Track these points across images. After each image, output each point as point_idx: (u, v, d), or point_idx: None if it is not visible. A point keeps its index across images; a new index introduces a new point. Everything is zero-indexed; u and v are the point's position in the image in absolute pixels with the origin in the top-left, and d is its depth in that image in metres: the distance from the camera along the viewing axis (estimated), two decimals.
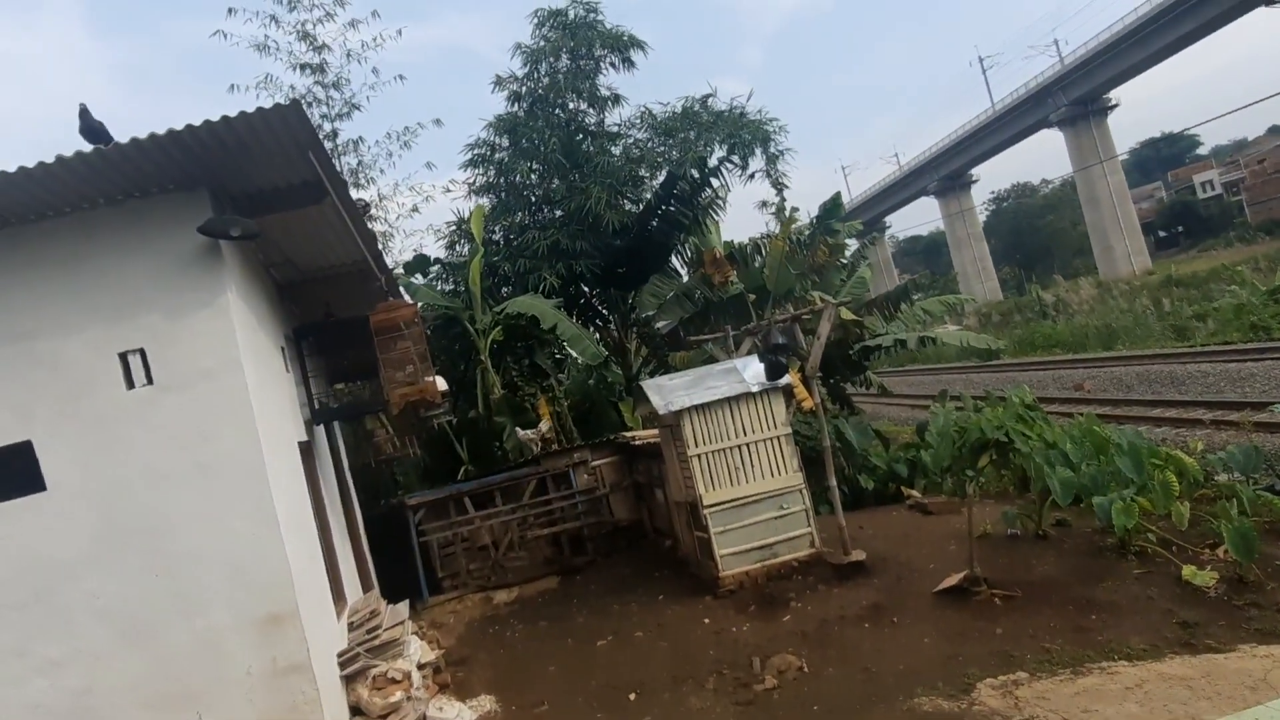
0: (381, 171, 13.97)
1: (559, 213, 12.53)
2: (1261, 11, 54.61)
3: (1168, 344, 25.76)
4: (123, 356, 4.84)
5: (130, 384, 4.81)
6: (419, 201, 15.42)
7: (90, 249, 4.93)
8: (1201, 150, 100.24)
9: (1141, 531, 6.81)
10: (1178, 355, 22.02)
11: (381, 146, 14.72)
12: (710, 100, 12.07)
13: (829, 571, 7.62)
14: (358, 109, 13.55)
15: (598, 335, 12.51)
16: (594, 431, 11.82)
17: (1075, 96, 66.33)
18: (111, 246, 4.93)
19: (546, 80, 12.77)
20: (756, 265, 13.00)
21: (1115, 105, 69.55)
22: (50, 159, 4.39)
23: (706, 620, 7.30)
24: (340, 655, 5.73)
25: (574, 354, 11.51)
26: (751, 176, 11.97)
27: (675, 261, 13.02)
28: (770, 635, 6.79)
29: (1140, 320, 31.04)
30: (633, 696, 6.25)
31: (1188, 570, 6.21)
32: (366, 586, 8.17)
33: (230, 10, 12.81)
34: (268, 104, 4.78)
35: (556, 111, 12.70)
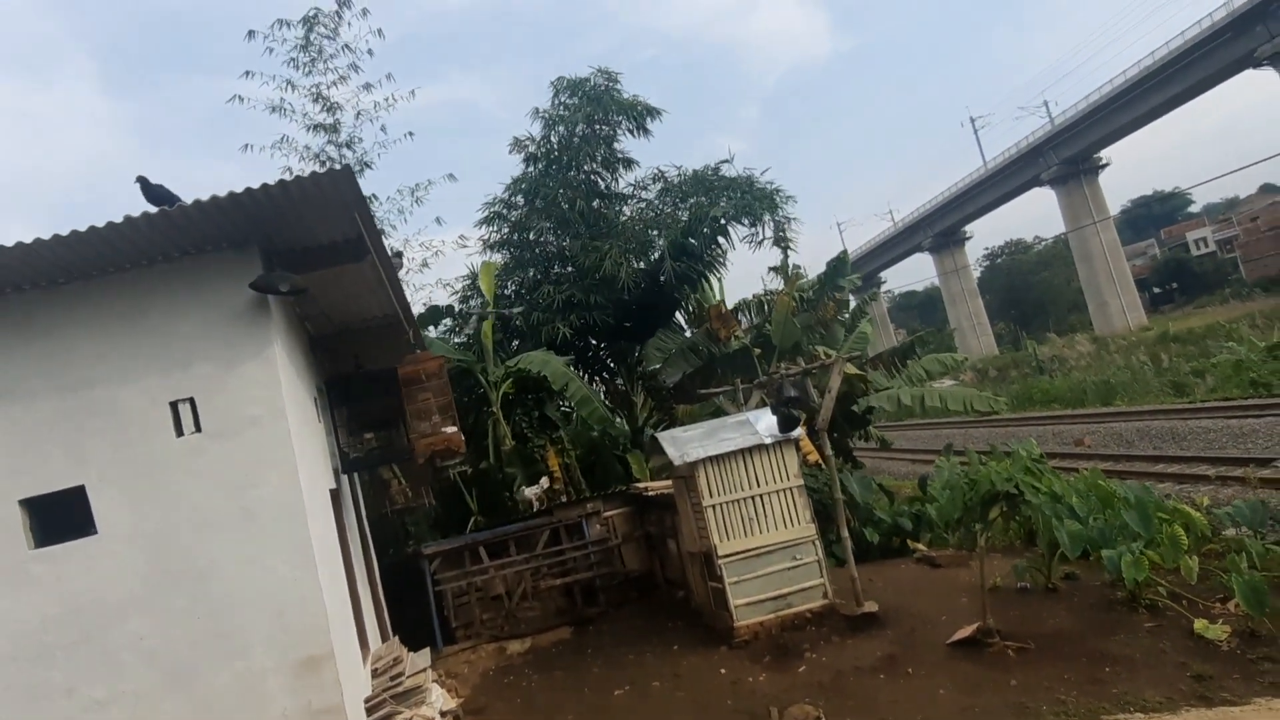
0: (393, 227, 14.34)
1: (570, 268, 12.87)
2: (1250, 74, 56.15)
3: (1166, 400, 25.96)
4: (173, 405, 5.04)
5: (180, 431, 5.01)
6: (429, 256, 15.85)
7: (149, 303, 5.18)
8: (1194, 208, 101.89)
9: (1151, 585, 6.92)
10: (1178, 411, 22.21)
11: (394, 202, 15.16)
12: (722, 167, 12.57)
13: (842, 622, 7.69)
14: (369, 167, 14.00)
15: (604, 389, 12.74)
16: (600, 483, 11.96)
17: (1066, 156, 67.74)
18: (168, 300, 5.19)
19: (563, 143, 13.24)
20: (761, 320, 13.30)
21: (1106, 164, 70.93)
22: (101, 222, 4.64)
23: (723, 670, 7.34)
24: (367, 701, 5.79)
25: (583, 414, 11.74)
26: (760, 243, 12.41)
27: (679, 317, 13.35)
28: (786, 685, 6.83)
29: (1138, 376, 31.27)
30: None
31: (1200, 624, 6.30)
32: (384, 635, 8.23)
33: (247, 73, 13.36)
34: (283, 163, 5.12)
35: (572, 173, 13.14)
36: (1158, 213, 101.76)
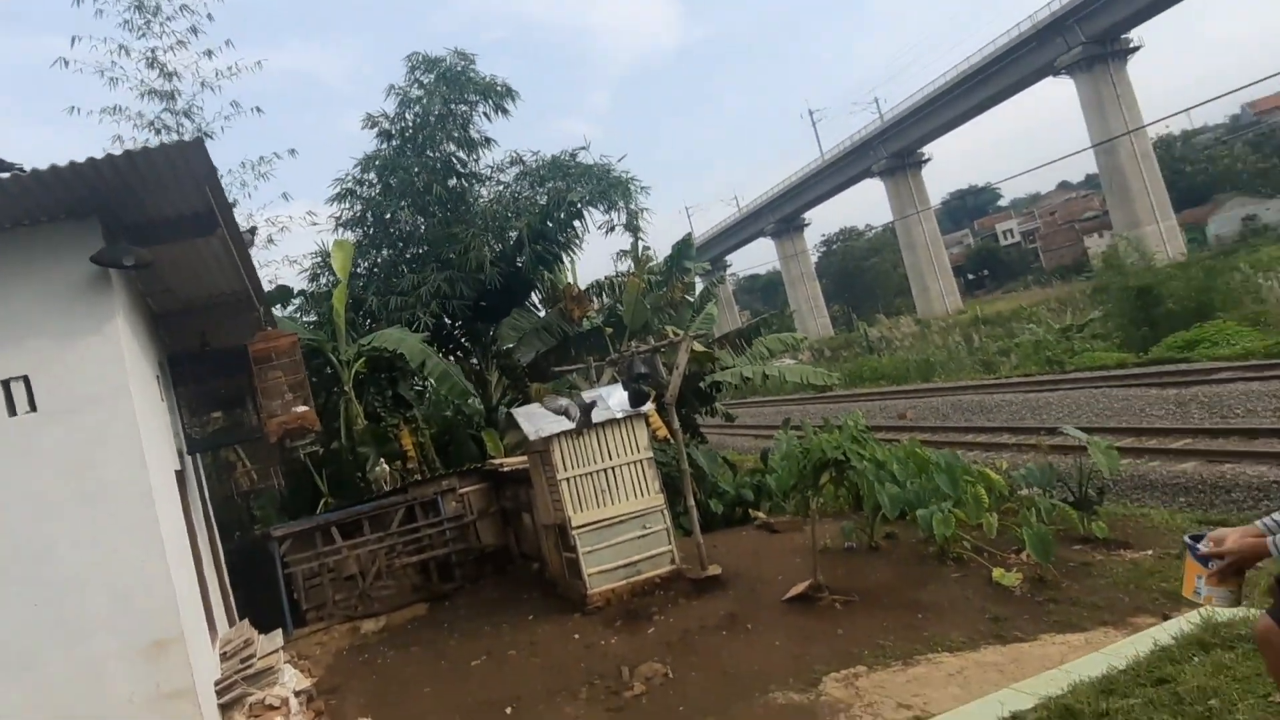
0: (236, 202, 13.64)
1: (424, 248, 12.70)
2: (1050, 81, 61.94)
3: (977, 376, 28.62)
4: (4, 384, 4.70)
5: (12, 410, 4.69)
6: (275, 232, 15.18)
7: None
8: (1002, 202, 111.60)
9: (958, 540, 7.68)
10: (986, 386, 24.56)
11: (235, 176, 14.40)
12: (580, 154, 12.75)
13: (689, 586, 8.16)
14: (210, 137, 13.25)
15: (460, 368, 12.75)
16: (455, 461, 11.97)
17: (894, 150, 72.47)
18: None
19: (419, 121, 12.98)
20: (613, 301, 13.67)
21: (928, 159, 76.36)
22: None
23: (576, 636, 7.65)
24: (217, 684, 5.68)
25: (442, 391, 11.68)
26: (614, 229, 12.73)
27: (534, 297, 13.50)
28: (637, 646, 7.21)
29: (954, 355, 34.15)
30: (509, 710, 6.48)
31: (997, 573, 7.07)
32: (232, 620, 7.98)
33: (75, 39, 12.37)
34: (113, 130, 4.91)
35: (429, 152, 12.93)
36: (972, 205, 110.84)
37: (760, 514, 11.00)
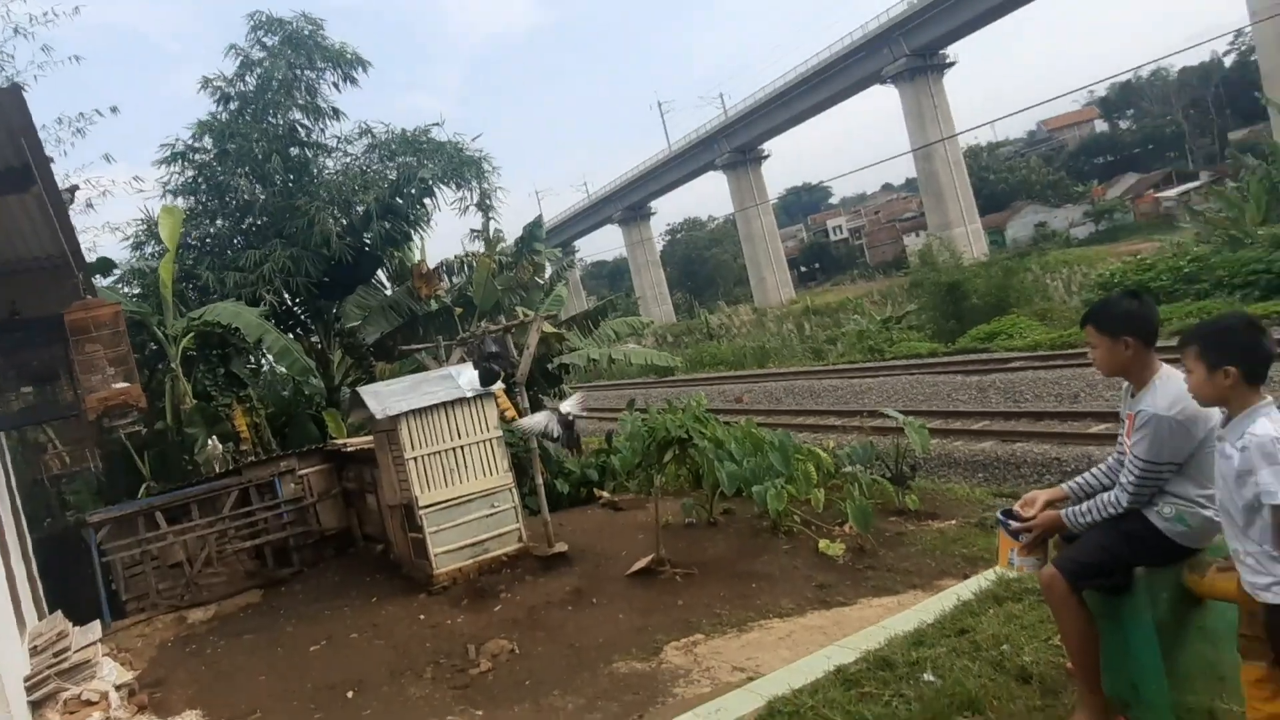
0: (52, 160, 12.29)
1: (264, 220, 11.99)
2: (878, 89, 66.17)
3: (808, 363, 30.37)
4: None
5: None
6: (95, 197, 13.83)
7: None
8: (833, 200, 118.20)
9: (789, 514, 8.16)
10: (816, 372, 26.13)
11: (50, 132, 12.98)
12: (433, 130, 12.42)
13: (536, 563, 8.27)
14: (24, 89, 11.87)
15: (300, 346, 12.18)
16: (294, 443, 11.44)
17: (736, 145, 75.05)
18: None
19: (262, 85, 12.18)
20: (463, 281, 13.50)
21: (768, 155, 79.63)
22: None
23: (422, 616, 7.59)
24: (27, 680, 5.24)
25: (281, 368, 11.10)
26: (467, 208, 12.51)
27: (381, 275, 13.08)
28: (484, 624, 7.25)
29: (787, 343, 36.02)
30: (351, 694, 6.36)
31: (823, 544, 7.60)
32: (41, 613, 7.30)
33: None
34: None
35: (272, 119, 12.17)
36: (806, 202, 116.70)
37: (605, 493, 11.26)
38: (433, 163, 11.91)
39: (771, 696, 4.12)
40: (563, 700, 5.78)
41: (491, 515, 8.31)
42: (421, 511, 7.96)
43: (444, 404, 8.19)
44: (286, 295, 12.11)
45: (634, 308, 38.31)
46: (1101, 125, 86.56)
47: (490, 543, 8.29)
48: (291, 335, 11.92)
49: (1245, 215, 23.18)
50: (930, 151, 59.22)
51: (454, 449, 8.20)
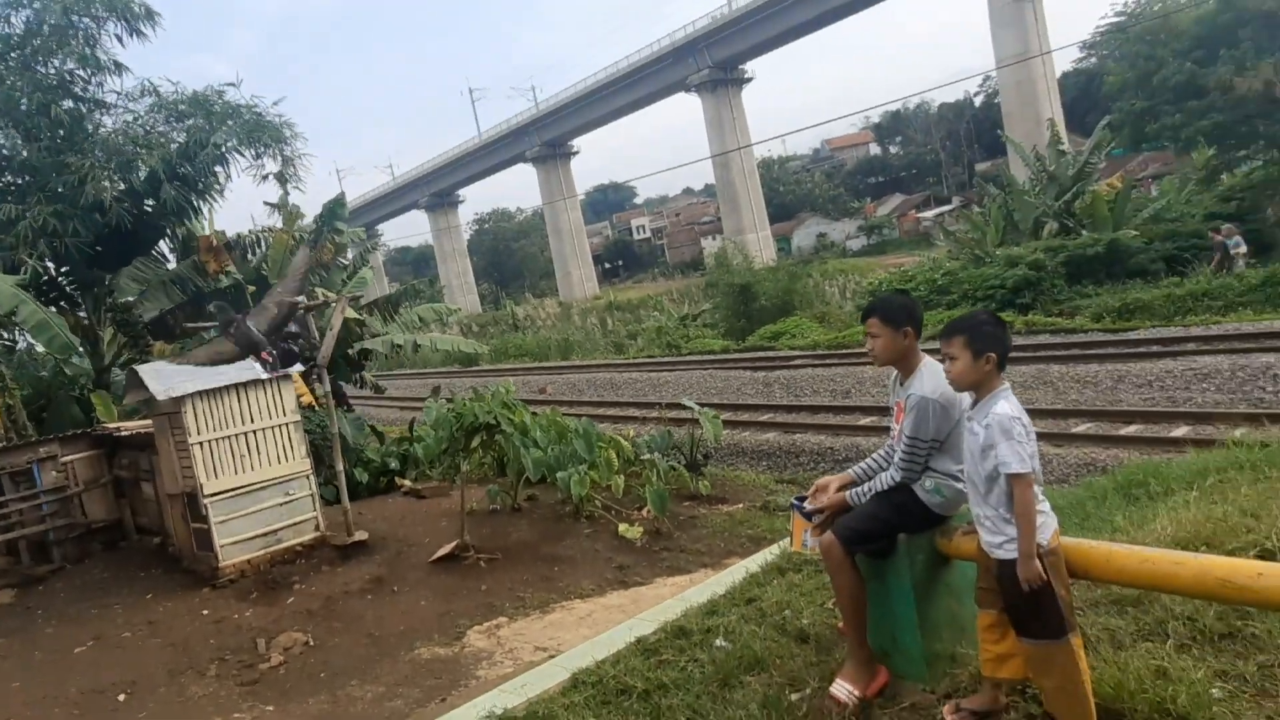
0: None
1: (27, 177, 10.45)
2: (683, 96, 68.78)
3: (610, 356, 31.08)
4: None
5: None
6: None
7: None
8: (638, 200, 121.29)
9: (591, 499, 8.43)
10: (617, 365, 26.81)
11: None
12: (228, 91, 11.38)
13: (333, 553, 7.99)
14: None
15: (63, 320, 10.80)
16: (54, 428, 10.17)
17: (547, 139, 75.25)
18: None
19: (30, 29, 10.56)
20: (257, 257, 12.63)
21: (577, 152, 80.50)
22: None
23: (205, 611, 7.11)
24: None
25: (39, 345, 9.79)
26: (265, 177, 11.60)
27: (164, 246, 11.88)
28: (275, 617, 6.92)
29: (590, 336, 36.68)
30: (123, 697, 5.87)
31: (622, 527, 7.92)
32: None
33: None
34: None
35: (39, 67, 10.60)
36: (612, 200, 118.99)
37: (406, 481, 11.02)
38: (226, 127, 11.00)
39: (576, 669, 4.31)
40: (361, 690, 5.67)
41: (286, 503, 7.92)
42: (207, 500, 7.44)
43: (236, 385, 7.69)
44: (51, 264, 10.69)
45: (439, 296, 37.34)
46: (875, 149, 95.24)
47: (284, 532, 7.90)
48: (54, 308, 10.55)
49: (987, 237, 26.50)
50: (728, 160, 62.48)
51: (246, 433, 7.73)
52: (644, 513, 8.46)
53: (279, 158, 11.35)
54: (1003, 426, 2.80)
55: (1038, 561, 2.76)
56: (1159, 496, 4.95)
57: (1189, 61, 22.27)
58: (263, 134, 10.72)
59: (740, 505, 9.22)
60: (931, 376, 3.25)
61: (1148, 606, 3.53)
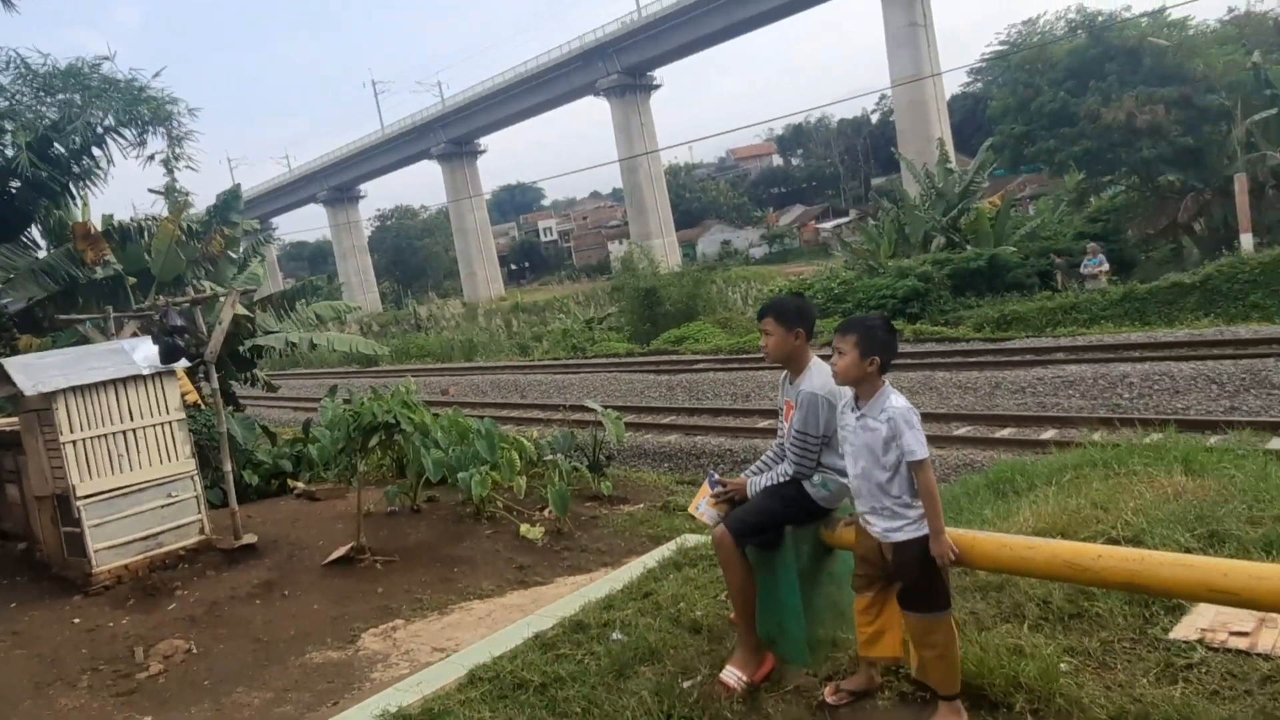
0: None
1: None
2: (591, 100, 68.95)
3: (515, 358, 30.86)
4: None
5: None
6: None
7: None
8: (545, 202, 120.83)
9: (492, 500, 8.40)
10: (521, 367, 26.67)
11: None
12: (105, 65, 10.69)
13: (219, 557, 7.69)
14: None
15: None
16: None
17: (453, 136, 74.11)
18: None
19: None
20: (139, 246, 11.98)
21: (484, 150, 79.63)
22: None
23: (77, 620, 6.73)
24: None
25: None
26: (151, 158, 10.95)
27: (34, 232, 11.11)
28: (154, 624, 6.62)
29: (495, 338, 36.33)
30: None
31: (524, 528, 7.92)
32: None
33: None
34: None
35: None
36: (520, 201, 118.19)
37: (299, 484, 10.72)
38: (103, 102, 10.36)
39: (473, 665, 4.32)
40: (248, 696, 5.50)
41: (169, 505, 7.58)
42: (80, 502, 7.04)
43: (114, 381, 7.31)
44: None
45: (337, 293, 36.14)
46: (778, 160, 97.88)
47: (165, 535, 7.56)
48: None
49: (880, 249, 27.66)
50: (635, 165, 62.99)
51: (125, 432, 7.35)
52: (546, 513, 8.47)
53: (165, 137, 10.78)
54: (905, 418, 3.03)
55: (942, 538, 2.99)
56: (1024, 492, 5.35)
57: (1062, 91, 23.88)
58: (144, 109, 10.12)
59: (641, 505, 9.34)
60: (820, 375, 3.44)
61: (1009, 591, 3.82)
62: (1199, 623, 3.30)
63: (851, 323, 3.20)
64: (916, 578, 3.03)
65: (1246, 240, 19.81)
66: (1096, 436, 8.90)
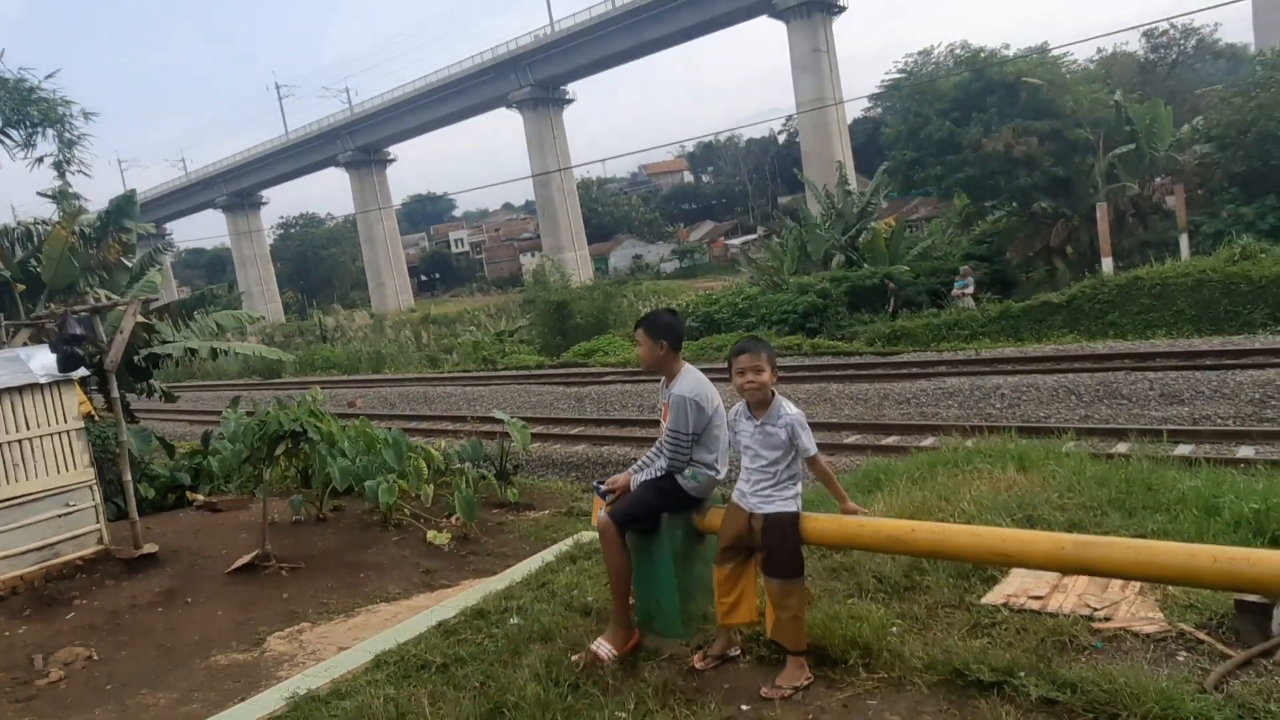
0: None
1: None
2: (504, 111, 68.93)
3: (424, 370, 30.66)
4: None
5: None
6: None
7: None
8: (457, 213, 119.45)
9: (400, 508, 8.60)
10: (431, 379, 26.57)
11: None
12: None
13: (119, 566, 7.65)
14: None
15: None
16: None
17: (361, 144, 72.83)
18: None
19: None
20: (25, 252, 11.66)
21: (393, 159, 78.45)
22: None
23: None
24: None
25: None
26: (39, 161, 10.65)
27: None
28: (53, 633, 6.61)
29: (404, 349, 35.96)
30: None
31: (431, 534, 8.17)
32: None
33: None
34: None
35: None
36: (430, 211, 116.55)
37: (199, 496, 10.62)
38: None
39: (379, 651, 4.63)
40: (153, 698, 5.61)
41: (65, 515, 7.53)
42: None
43: (8, 390, 7.24)
44: None
45: (237, 302, 35.14)
46: (689, 176, 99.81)
47: (62, 545, 7.50)
48: None
49: (784, 266, 28.83)
50: (548, 178, 63.28)
51: (20, 441, 7.29)
52: (453, 520, 8.73)
53: (55, 140, 10.54)
54: (800, 422, 3.62)
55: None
56: (884, 487, 6.00)
57: (948, 121, 25.55)
58: (33, 110, 9.90)
59: (547, 511, 9.70)
60: (689, 380, 3.95)
61: (855, 572, 4.39)
62: (1006, 590, 3.93)
63: (753, 342, 3.79)
64: (780, 546, 3.54)
65: (1107, 264, 21.64)
66: (970, 444, 9.77)
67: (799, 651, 3.51)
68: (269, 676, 5.67)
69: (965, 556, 3.39)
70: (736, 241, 69.64)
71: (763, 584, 3.65)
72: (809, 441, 3.59)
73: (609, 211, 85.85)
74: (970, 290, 22.80)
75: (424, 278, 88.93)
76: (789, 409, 3.64)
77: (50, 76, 10.54)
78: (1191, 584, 2.96)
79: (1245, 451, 9.09)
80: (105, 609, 7.00)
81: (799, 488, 3.68)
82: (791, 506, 3.60)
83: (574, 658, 3.92)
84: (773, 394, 3.67)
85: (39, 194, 12.51)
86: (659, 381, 4.14)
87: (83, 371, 7.72)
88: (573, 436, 15.36)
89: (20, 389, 7.33)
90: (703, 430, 3.94)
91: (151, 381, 13.39)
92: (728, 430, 3.91)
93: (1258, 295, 17.02)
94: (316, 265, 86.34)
